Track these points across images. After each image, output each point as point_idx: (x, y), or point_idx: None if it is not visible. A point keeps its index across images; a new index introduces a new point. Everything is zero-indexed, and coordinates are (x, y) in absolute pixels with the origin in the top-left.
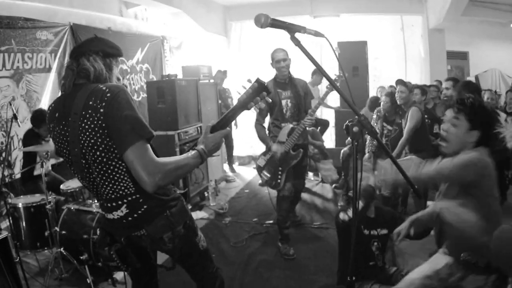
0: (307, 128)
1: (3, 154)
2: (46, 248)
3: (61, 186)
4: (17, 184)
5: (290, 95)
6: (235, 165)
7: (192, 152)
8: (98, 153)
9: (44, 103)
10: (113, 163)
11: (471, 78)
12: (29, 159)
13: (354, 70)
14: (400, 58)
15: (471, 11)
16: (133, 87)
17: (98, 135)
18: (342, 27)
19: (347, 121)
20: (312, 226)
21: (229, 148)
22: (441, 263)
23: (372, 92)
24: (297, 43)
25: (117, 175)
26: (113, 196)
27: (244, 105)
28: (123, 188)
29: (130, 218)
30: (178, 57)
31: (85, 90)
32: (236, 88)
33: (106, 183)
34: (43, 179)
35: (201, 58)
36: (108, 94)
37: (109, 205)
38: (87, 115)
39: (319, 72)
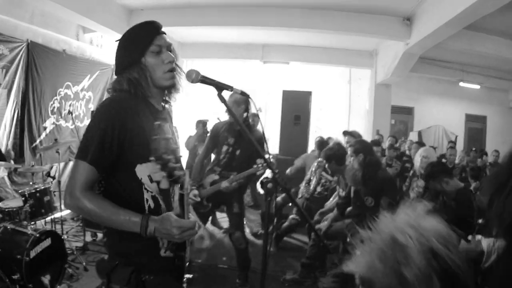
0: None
1: None
2: None
3: (0, 204)
4: None
5: (233, 143)
6: None
7: (138, 217)
8: None
9: None
10: None
11: (414, 133)
12: None
13: (295, 119)
14: (344, 111)
15: (421, 68)
16: (75, 114)
17: None
18: (290, 74)
19: (262, 178)
20: (222, 266)
21: None
22: None
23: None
24: (223, 100)
25: None
26: None
27: None
28: None
29: (104, 239)
30: None
31: None
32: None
33: None
34: None
35: None
36: (98, 107)
37: None
38: None
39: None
